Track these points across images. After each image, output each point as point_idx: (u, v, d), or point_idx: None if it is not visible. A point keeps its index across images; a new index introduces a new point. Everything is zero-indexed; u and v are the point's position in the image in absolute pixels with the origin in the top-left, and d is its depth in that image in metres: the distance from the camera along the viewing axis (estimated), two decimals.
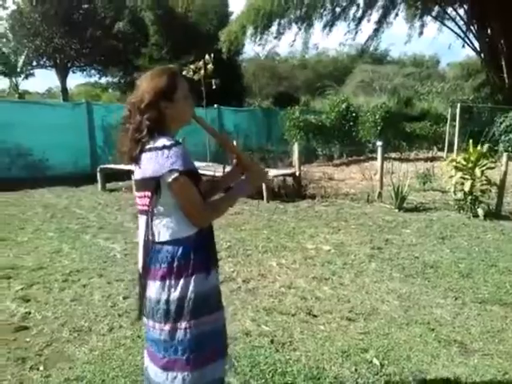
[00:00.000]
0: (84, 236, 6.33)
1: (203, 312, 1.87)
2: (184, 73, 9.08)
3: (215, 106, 15.30)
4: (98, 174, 10.29)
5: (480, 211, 7.20)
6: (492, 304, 3.97)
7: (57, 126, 11.47)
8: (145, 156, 1.82)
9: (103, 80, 31.85)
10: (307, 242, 5.98)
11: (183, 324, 1.85)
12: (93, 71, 29.70)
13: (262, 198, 8.38)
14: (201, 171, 2.08)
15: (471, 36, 20.27)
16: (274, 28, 20.08)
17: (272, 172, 9.27)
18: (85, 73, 29.89)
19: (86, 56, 26.54)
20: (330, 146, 16.50)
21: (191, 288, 1.83)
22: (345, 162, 15.53)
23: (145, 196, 1.87)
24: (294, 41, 21.60)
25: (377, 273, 4.81)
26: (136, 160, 1.85)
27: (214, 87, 12.01)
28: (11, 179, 10.74)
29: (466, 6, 19.88)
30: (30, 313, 3.81)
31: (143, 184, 1.86)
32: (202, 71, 11.88)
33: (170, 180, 1.76)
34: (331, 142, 16.33)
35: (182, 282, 1.83)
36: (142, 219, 1.92)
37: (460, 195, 7.48)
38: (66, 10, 23.80)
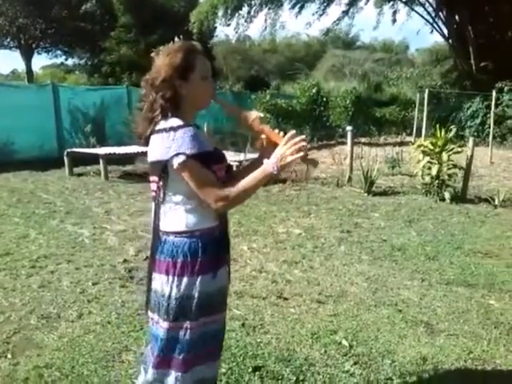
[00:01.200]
0: (51, 221, 6.20)
1: (206, 313, 1.79)
2: (152, 55, 8.91)
3: None
4: (65, 158, 10.06)
5: (446, 195, 7.37)
6: (457, 285, 4.09)
7: (22, 109, 11.10)
8: (153, 138, 1.70)
9: (69, 62, 31.06)
10: (278, 226, 6.02)
11: (184, 324, 1.77)
12: (58, 52, 28.88)
13: None
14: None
15: (440, 22, 20.52)
16: (244, 9, 19.92)
17: (242, 156, 9.26)
18: (50, 54, 29.08)
19: (52, 36, 25.76)
20: (301, 130, 16.54)
21: (196, 288, 1.74)
22: (315, 146, 15.59)
23: (153, 180, 1.76)
24: (266, 25, 21.28)
25: (346, 256, 4.88)
26: (147, 141, 1.74)
27: None
28: None
29: None
30: None
31: (151, 168, 1.76)
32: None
33: (176, 165, 1.63)
34: (302, 127, 16.39)
35: (185, 280, 1.73)
36: (153, 206, 1.80)
37: (427, 179, 7.65)
38: None
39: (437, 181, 7.46)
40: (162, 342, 1.80)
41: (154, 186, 1.77)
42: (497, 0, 16.24)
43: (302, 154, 1.66)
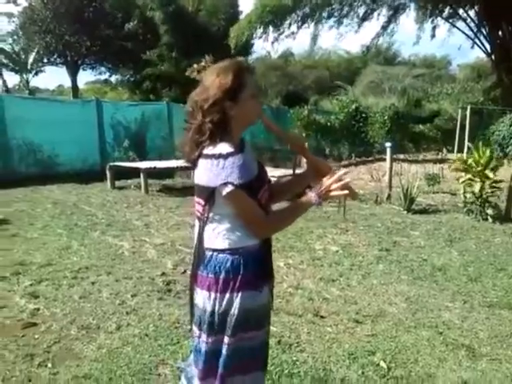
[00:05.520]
0: (93, 233, 6.36)
1: (243, 329, 1.79)
2: (187, 73, 9.02)
3: None
4: (108, 172, 10.34)
5: (489, 213, 7.15)
6: (500, 308, 3.95)
7: (67, 123, 11.53)
8: (201, 162, 1.71)
9: (113, 78, 32.01)
10: (315, 243, 5.98)
11: (225, 339, 1.79)
12: (103, 69, 29.83)
13: None
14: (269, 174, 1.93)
15: (482, 37, 20.12)
16: (283, 26, 20.11)
17: (281, 171, 9.26)
18: (94, 70, 30.06)
19: (96, 54, 26.67)
20: (339, 147, 16.46)
21: (236, 304, 1.75)
22: (353, 162, 15.45)
23: (199, 203, 1.79)
24: (306, 41, 21.45)
25: (385, 275, 4.79)
26: (194, 163, 1.75)
27: None
28: (21, 175, 10.82)
29: (476, 8, 19.73)
30: (38, 309, 3.83)
31: (198, 190, 1.77)
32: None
33: (224, 193, 1.67)
34: (340, 143, 16.30)
35: (227, 296, 1.75)
36: (197, 224, 1.84)
37: (469, 197, 7.44)
38: (77, 7, 23.92)
39: (479, 199, 7.25)
40: (204, 355, 1.83)
41: (199, 207, 1.80)
42: None
43: (346, 192, 1.78)
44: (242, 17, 22.54)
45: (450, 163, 10.34)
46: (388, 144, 9.26)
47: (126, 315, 3.73)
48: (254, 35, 20.26)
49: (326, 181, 1.80)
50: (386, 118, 15.90)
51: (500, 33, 18.70)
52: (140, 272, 4.78)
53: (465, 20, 20.21)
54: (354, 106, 16.36)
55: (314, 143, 15.03)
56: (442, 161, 13.32)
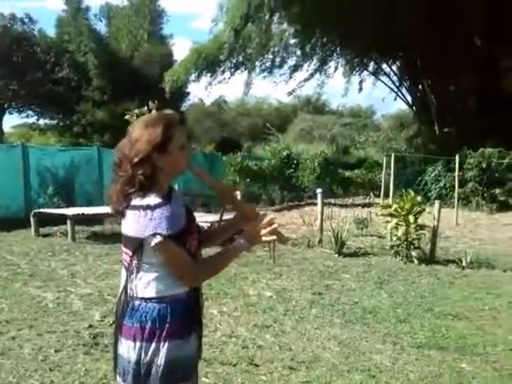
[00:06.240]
0: (14, 284, 5.97)
1: (170, 381, 1.72)
2: (127, 117, 8.99)
3: None
4: (32, 219, 9.85)
5: (415, 256, 7.46)
6: (429, 349, 4.06)
7: None
8: (129, 213, 1.69)
9: (41, 121, 31.06)
10: (249, 288, 5.94)
11: None
12: (30, 112, 28.95)
13: None
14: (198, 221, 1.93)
15: (404, 90, 21.60)
16: (216, 72, 20.65)
17: (214, 217, 9.23)
18: (22, 113, 29.10)
19: (24, 98, 25.91)
20: (272, 192, 16.75)
21: (162, 354, 1.69)
22: (286, 207, 15.75)
23: (127, 253, 1.75)
24: (238, 88, 22.17)
25: (318, 319, 4.82)
26: (122, 214, 1.72)
27: None
28: None
29: (398, 63, 21.26)
30: None
31: (126, 240, 1.75)
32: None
33: (153, 244, 1.65)
34: (272, 188, 16.61)
35: (153, 346, 1.69)
36: (123, 273, 1.80)
37: (395, 241, 7.75)
38: (5, 51, 23.32)
39: (405, 242, 7.57)
40: None
41: (126, 257, 1.76)
42: (457, 71, 17.24)
43: (274, 237, 1.83)
44: (176, 64, 22.88)
45: (377, 207, 10.78)
46: (319, 190, 9.54)
47: (49, 372, 3.49)
48: (189, 80, 20.62)
49: (255, 226, 1.84)
50: (316, 164, 16.48)
51: (420, 86, 20.16)
52: (65, 325, 4.51)
53: (388, 75, 21.66)
54: (285, 153, 16.83)
55: (247, 189, 15.19)
56: (369, 205, 13.88)
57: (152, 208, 1.65)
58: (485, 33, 17.10)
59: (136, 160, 1.69)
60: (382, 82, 22.13)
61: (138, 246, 1.69)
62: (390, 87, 21.78)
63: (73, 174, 13.12)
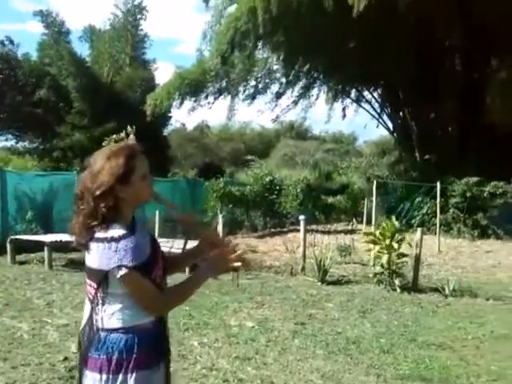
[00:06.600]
0: None
1: None
2: (105, 143, 8.91)
3: None
4: (8, 245, 9.60)
5: (397, 284, 7.42)
6: (412, 380, 3.99)
7: None
8: (93, 245, 1.67)
9: (20, 145, 30.60)
10: (230, 318, 5.81)
11: None
12: (9, 135, 28.54)
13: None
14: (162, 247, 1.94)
15: (385, 117, 21.92)
16: (200, 97, 20.78)
17: (182, 242, 9.11)
18: (0, 137, 28.67)
19: (3, 121, 25.59)
20: (254, 218, 16.68)
21: None
22: (268, 233, 15.67)
23: (91, 285, 1.73)
24: (221, 113, 22.35)
25: (300, 350, 4.72)
26: (85, 247, 1.71)
27: None
28: None
29: (379, 91, 21.62)
30: None
31: (90, 273, 1.73)
32: (124, 142, 11.73)
33: (118, 276, 1.64)
34: (255, 214, 16.54)
35: (120, 378, 1.65)
36: (87, 305, 1.77)
37: (378, 268, 7.72)
38: None
39: (388, 270, 7.54)
40: None
41: (90, 289, 1.74)
42: (437, 98, 17.59)
43: (239, 264, 1.85)
44: (159, 88, 22.91)
45: (360, 233, 10.78)
46: (302, 217, 9.51)
47: None
48: (172, 105, 20.64)
49: (220, 253, 1.87)
50: (298, 190, 16.51)
51: (401, 113, 20.49)
52: (40, 357, 4.35)
53: (369, 102, 21.99)
54: (268, 179, 16.83)
55: (229, 215, 15.09)
56: (352, 231, 13.87)
57: (116, 240, 1.64)
58: (465, 60, 17.56)
59: (98, 193, 1.67)
60: (364, 108, 22.45)
61: (102, 278, 1.67)
62: (371, 114, 22.10)
63: (52, 199, 12.87)
